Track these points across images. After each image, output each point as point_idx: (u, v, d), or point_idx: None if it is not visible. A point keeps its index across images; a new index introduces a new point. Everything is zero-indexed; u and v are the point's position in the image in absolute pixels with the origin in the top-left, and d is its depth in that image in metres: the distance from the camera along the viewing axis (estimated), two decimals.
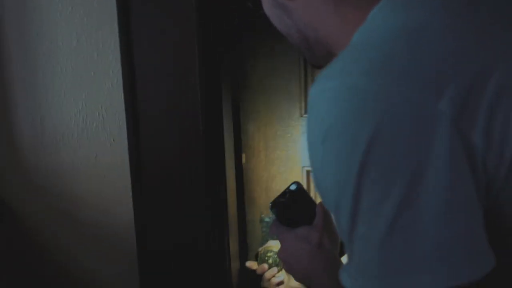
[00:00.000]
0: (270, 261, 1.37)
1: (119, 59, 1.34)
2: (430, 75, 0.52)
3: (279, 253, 0.94)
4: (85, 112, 1.40)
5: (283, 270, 1.34)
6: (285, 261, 0.92)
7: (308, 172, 1.63)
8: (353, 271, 0.57)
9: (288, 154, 1.65)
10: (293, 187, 0.98)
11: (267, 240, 1.44)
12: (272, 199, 0.98)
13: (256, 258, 1.41)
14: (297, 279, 0.93)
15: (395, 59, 0.54)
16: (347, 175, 0.54)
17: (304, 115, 1.61)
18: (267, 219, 1.48)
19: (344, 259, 0.69)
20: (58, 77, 1.39)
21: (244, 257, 1.64)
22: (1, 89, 1.39)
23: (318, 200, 0.92)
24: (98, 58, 1.38)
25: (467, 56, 0.54)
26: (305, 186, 1.33)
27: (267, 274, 1.36)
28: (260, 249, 1.42)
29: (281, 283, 1.34)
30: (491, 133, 0.52)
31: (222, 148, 1.42)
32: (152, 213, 1.40)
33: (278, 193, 0.99)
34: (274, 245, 1.38)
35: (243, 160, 1.57)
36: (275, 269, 1.36)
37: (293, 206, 0.96)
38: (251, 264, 1.42)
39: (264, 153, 1.66)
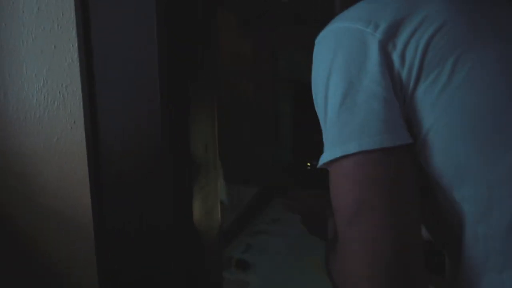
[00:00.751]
0: None
1: None
2: (376, 17, 0.79)
3: (301, 221, 1.22)
4: (46, 90, 1.26)
5: None
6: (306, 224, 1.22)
7: None
8: (324, 148, 0.80)
9: None
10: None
11: None
12: None
13: None
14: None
15: (361, 10, 0.83)
16: (322, 81, 0.81)
17: None
18: None
19: None
20: (19, 50, 1.26)
21: None
22: None
23: None
24: (59, 30, 1.23)
25: (402, 4, 0.81)
26: None
27: None
28: None
29: None
30: (405, 56, 0.77)
31: (186, 125, 1.23)
32: (110, 198, 1.24)
33: None
34: None
35: None
36: None
37: None
38: None
39: None
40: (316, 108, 0.84)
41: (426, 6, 0.80)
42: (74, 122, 1.25)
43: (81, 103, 1.23)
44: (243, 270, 3.49)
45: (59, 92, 1.25)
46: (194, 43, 1.23)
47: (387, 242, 0.74)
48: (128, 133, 1.21)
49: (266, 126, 4.11)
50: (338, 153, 0.76)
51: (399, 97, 0.77)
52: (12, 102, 1.28)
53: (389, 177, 0.75)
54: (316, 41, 0.85)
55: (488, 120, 0.76)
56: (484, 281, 0.78)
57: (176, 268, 1.28)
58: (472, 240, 0.78)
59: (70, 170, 1.27)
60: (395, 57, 0.77)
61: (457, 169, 0.77)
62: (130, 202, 1.24)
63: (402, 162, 0.76)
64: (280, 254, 3.73)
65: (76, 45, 1.21)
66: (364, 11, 0.82)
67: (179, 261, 1.27)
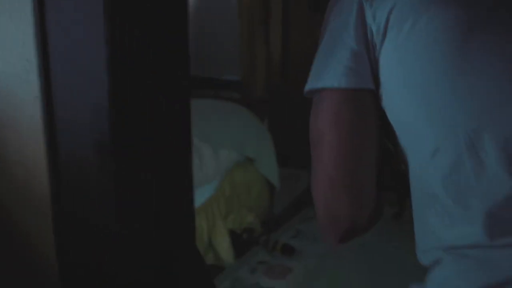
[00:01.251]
0: None
1: None
2: None
3: None
4: (13, 61, 1.26)
5: None
6: None
7: None
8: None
9: None
10: None
11: None
12: None
13: None
14: None
15: None
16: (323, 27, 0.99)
17: None
18: None
19: None
20: None
21: None
22: None
23: None
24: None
25: None
26: None
27: None
28: None
29: None
30: (376, 16, 0.90)
31: (142, 106, 1.18)
32: (66, 175, 1.23)
33: None
34: None
35: None
36: None
37: None
38: None
39: None
40: None
41: None
42: (36, 96, 1.24)
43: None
44: (288, 256, 3.43)
45: (23, 66, 1.24)
46: (151, 25, 1.18)
47: (331, 166, 0.91)
48: (82, 109, 1.18)
49: None
50: (307, 87, 0.95)
51: (370, 52, 0.91)
52: None
53: (344, 113, 0.90)
54: None
55: (429, 81, 0.86)
56: (425, 214, 0.91)
57: (131, 253, 1.25)
58: (417, 182, 0.92)
59: (33, 145, 1.27)
60: (369, 16, 0.90)
61: (399, 122, 0.92)
62: (83, 179, 1.22)
63: (358, 103, 0.91)
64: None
65: None
66: None
67: (129, 246, 1.24)
